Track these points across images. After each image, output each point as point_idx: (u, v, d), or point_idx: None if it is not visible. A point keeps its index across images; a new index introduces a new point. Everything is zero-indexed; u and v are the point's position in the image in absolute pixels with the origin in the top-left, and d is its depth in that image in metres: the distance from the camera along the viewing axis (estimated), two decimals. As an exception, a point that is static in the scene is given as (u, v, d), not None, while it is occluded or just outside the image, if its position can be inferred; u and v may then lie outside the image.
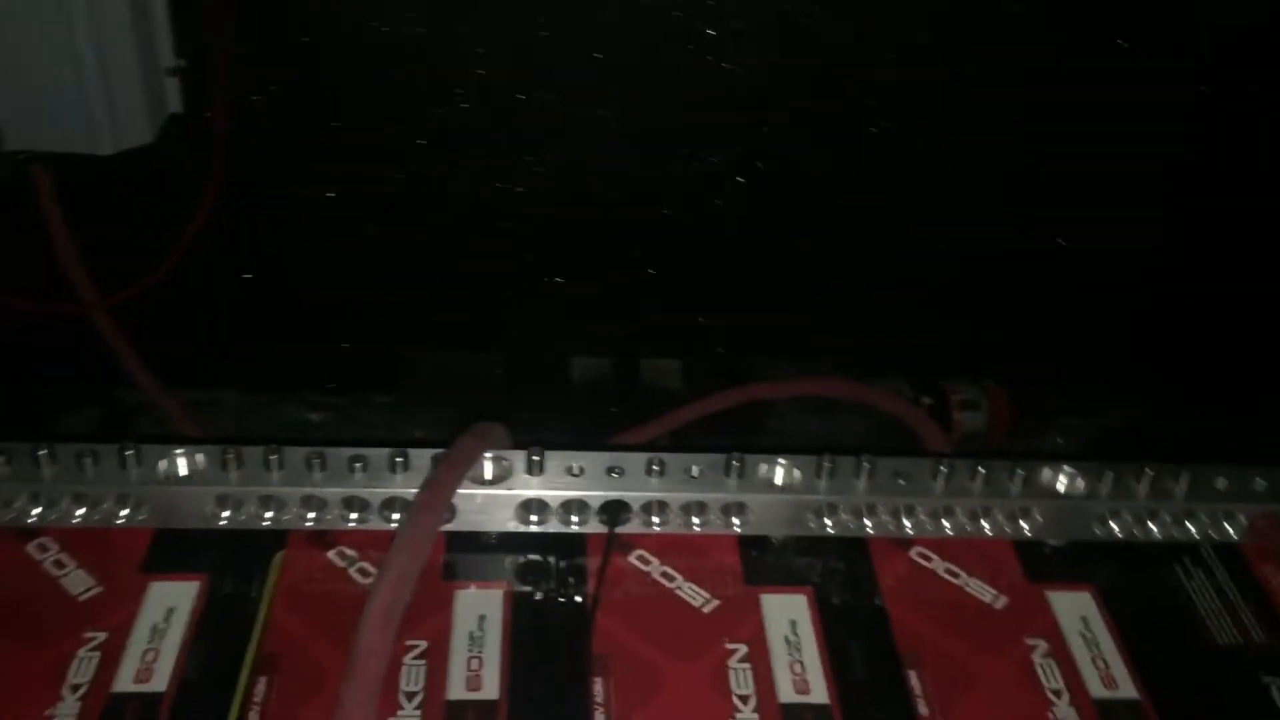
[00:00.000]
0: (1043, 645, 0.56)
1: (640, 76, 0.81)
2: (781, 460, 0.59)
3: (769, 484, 0.59)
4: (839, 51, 0.81)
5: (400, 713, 0.49)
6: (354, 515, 0.57)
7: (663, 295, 0.90)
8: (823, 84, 0.82)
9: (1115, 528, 0.60)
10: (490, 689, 0.51)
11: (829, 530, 0.59)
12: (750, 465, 0.59)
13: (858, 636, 0.55)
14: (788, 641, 0.54)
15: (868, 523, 0.59)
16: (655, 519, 0.58)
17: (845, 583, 0.58)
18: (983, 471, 0.59)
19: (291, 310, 0.90)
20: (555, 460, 0.58)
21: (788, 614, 0.56)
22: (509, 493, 0.57)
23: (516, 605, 0.55)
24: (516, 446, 0.59)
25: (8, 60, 0.71)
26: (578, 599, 0.56)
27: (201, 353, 0.90)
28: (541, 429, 0.64)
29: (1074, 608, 0.58)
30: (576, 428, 0.91)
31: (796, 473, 0.59)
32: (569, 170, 0.84)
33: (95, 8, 0.70)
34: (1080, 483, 0.60)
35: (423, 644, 0.52)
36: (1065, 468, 0.60)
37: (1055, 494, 0.60)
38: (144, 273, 0.82)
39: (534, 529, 0.58)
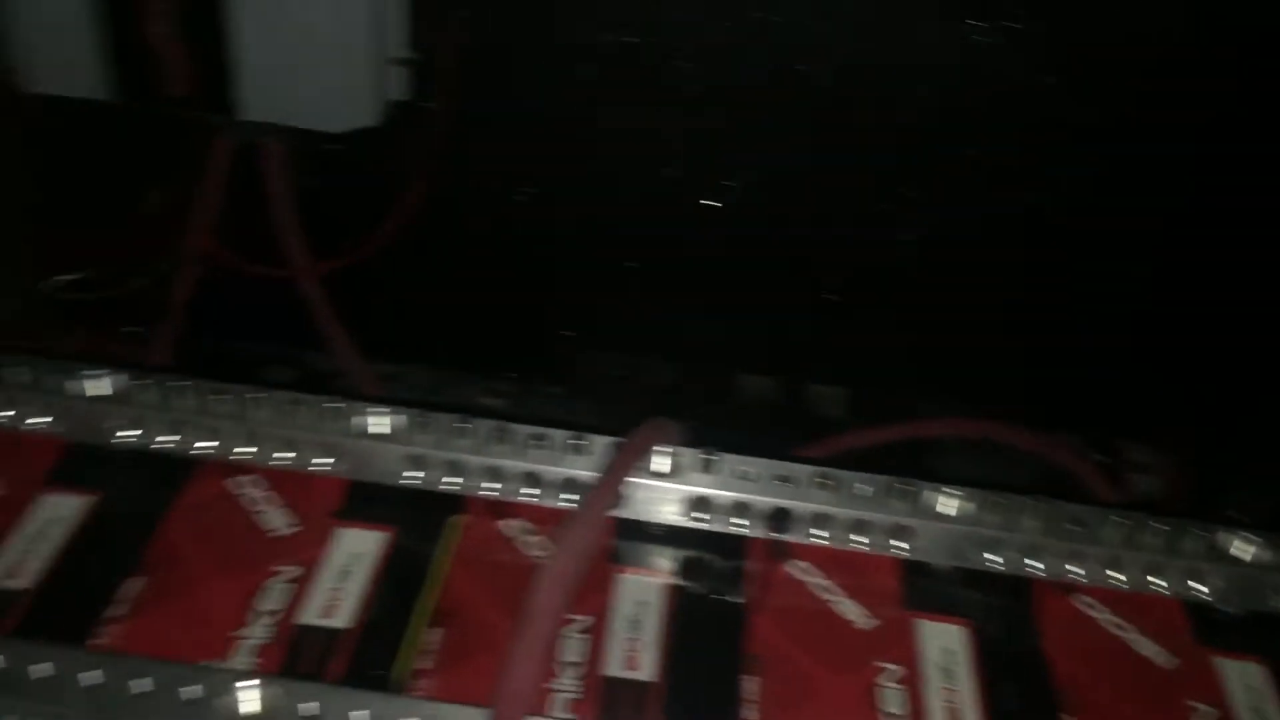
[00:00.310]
0: (1206, 711, 0.54)
1: (842, 106, 0.82)
2: (952, 490, 0.59)
3: (937, 512, 0.59)
4: (1032, 92, 0.80)
5: (558, 681, 0.51)
6: (531, 490, 0.59)
7: (839, 324, 0.90)
8: (1010, 129, 0.81)
9: (1296, 603, 0.58)
10: (647, 670, 0.52)
11: (994, 566, 0.58)
12: (919, 491, 0.59)
13: (1014, 675, 0.55)
14: (943, 670, 0.54)
15: (1035, 563, 0.58)
16: (819, 531, 0.59)
17: (1005, 620, 0.57)
18: (1158, 527, 0.58)
19: (481, 298, 0.94)
20: (727, 462, 0.60)
21: (943, 642, 0.56)
22: (679, 488, 0.59)
23: (676, 595, 0.57)
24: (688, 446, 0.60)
25: (257, 38, 0.76)
26: (735, 598, 0.57)
27: (393, 329, 0.95)
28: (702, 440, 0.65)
29: (1243, 678, 0.56)
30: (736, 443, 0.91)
31: (967, 505, 0.59)
32: (761, 192, 0.86)
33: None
34: (1262, 552, 0.58)
35: (585, 619, 0.54)
36: (1246, 534, 0.59)
37: (1234, 560, 0.58)
38: (351, 247, 0.87)
39: (699, 525, 0.59)
